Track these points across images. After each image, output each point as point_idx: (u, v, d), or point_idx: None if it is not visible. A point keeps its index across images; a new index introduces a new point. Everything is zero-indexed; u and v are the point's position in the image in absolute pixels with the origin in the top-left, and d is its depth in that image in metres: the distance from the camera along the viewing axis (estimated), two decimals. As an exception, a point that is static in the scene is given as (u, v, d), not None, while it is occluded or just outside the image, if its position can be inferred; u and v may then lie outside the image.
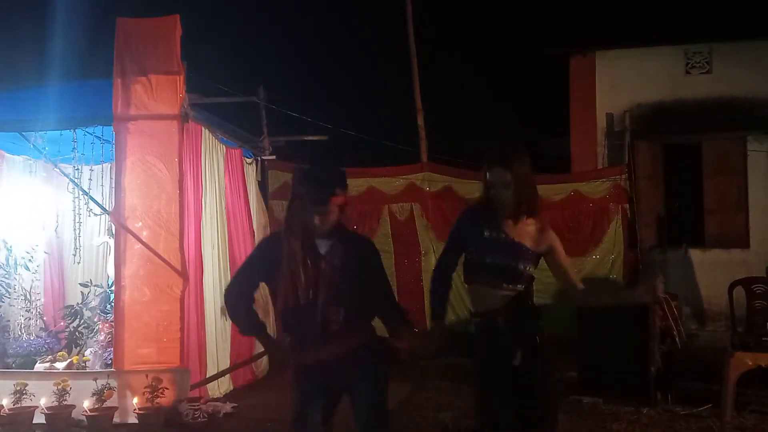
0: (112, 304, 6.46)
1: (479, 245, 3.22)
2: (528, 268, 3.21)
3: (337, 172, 3.16)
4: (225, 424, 5.88)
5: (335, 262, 3.12)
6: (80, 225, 6.91)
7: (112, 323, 6.24)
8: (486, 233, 3.21)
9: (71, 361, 6.54)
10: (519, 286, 3.20)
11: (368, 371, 3.16)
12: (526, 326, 3.18)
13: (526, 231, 3.24)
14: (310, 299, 3.09)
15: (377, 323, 3.25)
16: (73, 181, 6.63)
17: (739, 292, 6.96)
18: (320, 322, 3.08)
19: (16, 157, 7.52)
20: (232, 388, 6.91)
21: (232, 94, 7.90)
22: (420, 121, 10.10)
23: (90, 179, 6.75)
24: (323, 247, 3.14)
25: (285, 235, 3.15)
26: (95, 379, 5.79)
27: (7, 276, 7.12)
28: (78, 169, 6.58)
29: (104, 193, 7.00)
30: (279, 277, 3.11)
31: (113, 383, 5.82)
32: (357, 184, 9.24)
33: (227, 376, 6.93)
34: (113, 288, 6.38)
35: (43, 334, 7.05)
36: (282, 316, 3.20)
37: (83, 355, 6.69)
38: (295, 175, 3.23)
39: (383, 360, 3.21)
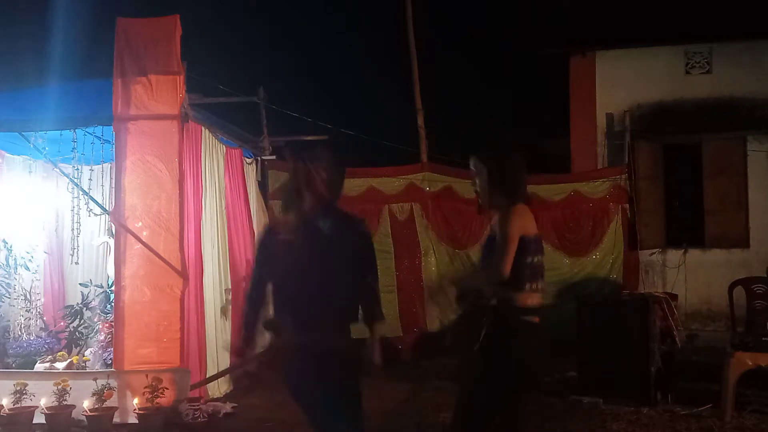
0: (112, 304, 6.46)
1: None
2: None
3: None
4: (225, 424, 5.88)
5: (338, 241, 3.13)
6: (79, 225, 6.91)
7: (112, 323, 6.24)
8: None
9: (71, 361, 6.54)
10: None
11: (353, 369, 3.17)
12: None
13: None
14: (312, 280, 3.08)
15: None
16: (73, 181, 6.63)
17: (739, 292, 6.96)
18: (320, 303, 3.08)
19: (16, 157, 7.52)
20: (232, 388, 6.91)
21: (232, 94, 7.89)
22: (420, 121, 10.10)
23: (90, 179, 6.75)
24: (325, 227, 3.15)
25: (286, 217, 3.16)
26: (95, 379, 5.79)
27: (7, 276, 7.11)
28: (78, 169, 6.57)
29: (104, 193, 7.00)
30: (281, 260, 3.12)
31: (113, 383, 5.82)
32: (357, 184, 9.23)
33: (227, 376, 6.93)
34: (113, 288, 6.37)
35: (43, 334, 7.05)
36: (283, 297, 3.19)
37: (83, 355, 6.69)
38: (312, 153, 3.23)
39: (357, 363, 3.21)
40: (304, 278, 3.09)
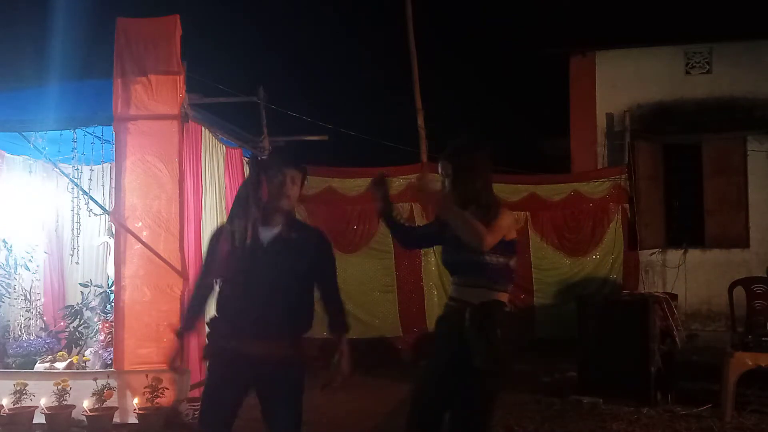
0: (112, 304, 6.46)
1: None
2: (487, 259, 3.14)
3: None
4: (225, 424, 5.86)
5: (278, 253, 3.07)
6: (79, 225, 6.91)
7: (112, 323, 6.24)
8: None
9: (71, 361, 6.53)
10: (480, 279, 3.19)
11: (287, 380, 3.14)
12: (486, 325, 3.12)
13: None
14: (248, 289, 3.05)
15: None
16: (73, 181, 6.63)
17: (739, 292, 6.97)
18: (255, 314, 3.04)
19: (16, 157, 7.51)
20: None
21: (232, 94, 7.88)
22: (420, 121, 10.05)
23: (90, 179, 6.74)
24: (267, 235, 3.09)
25: (231, 221, 3.14)
26: (95, 379, 5.79)
27: (7, 276, 7.11)
28: (78, 169, 6.57)
29: (104, 193, 7.00)
30: (225, 267, 3.12)
31: (113, 383, 5.82)
32: (357, 184, 9.23)
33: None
34: (113, 288, 6.38)
35: (43, 334, 7.05)
36: (219, 302, 3.22)
37: (83, 355, 6.68)
38: (262, 159, 3.26)
39: (303, 373, 3.18)
40: (244, 284, 3.07)
